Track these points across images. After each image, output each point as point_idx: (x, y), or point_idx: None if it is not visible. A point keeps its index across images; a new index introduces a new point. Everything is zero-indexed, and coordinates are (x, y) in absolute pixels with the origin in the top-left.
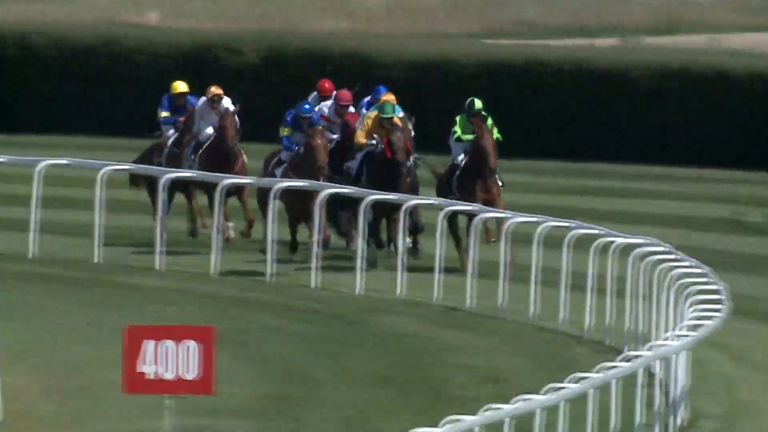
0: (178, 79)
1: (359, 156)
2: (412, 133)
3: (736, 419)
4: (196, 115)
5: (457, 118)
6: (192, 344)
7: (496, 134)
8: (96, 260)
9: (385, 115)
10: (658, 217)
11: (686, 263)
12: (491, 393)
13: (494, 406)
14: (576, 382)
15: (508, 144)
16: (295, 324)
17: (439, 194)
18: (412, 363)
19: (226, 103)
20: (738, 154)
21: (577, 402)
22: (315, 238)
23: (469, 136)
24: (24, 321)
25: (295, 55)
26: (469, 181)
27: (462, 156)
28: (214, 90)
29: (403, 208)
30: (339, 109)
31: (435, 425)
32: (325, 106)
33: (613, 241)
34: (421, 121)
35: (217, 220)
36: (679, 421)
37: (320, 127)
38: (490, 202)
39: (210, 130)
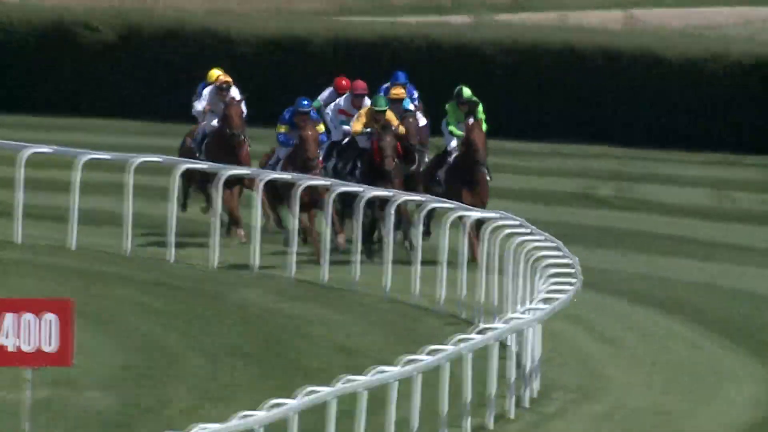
0: (214, 68)
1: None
2: (422, 122)
3: (589, 390)
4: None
5: (447, 107)
6: (51, 317)
7: (483, 125)
8: None
9: (378, 108)
10: (511, 192)
11: (538, 237)
12: (346, 365)
13: (349, 377)
14: (430, 354)
15: None
16: (154, 298)
17: (424, 183)
18: (268, 336)
19: (234, 92)
20: (590, 128)
21: (432, 374)
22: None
23: (460, 133)
24: None
25: (151, 32)
26: (457, 181)
27: (454, 143)
28: (223, 77)
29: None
30: (355, 99)
31: (291, 397)
32: (342, 99)
33: (465, 216)
34: (267, 98)
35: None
36: (531, 393)
37: (311, 118)
38: (476, 205)
39: (215, 122)
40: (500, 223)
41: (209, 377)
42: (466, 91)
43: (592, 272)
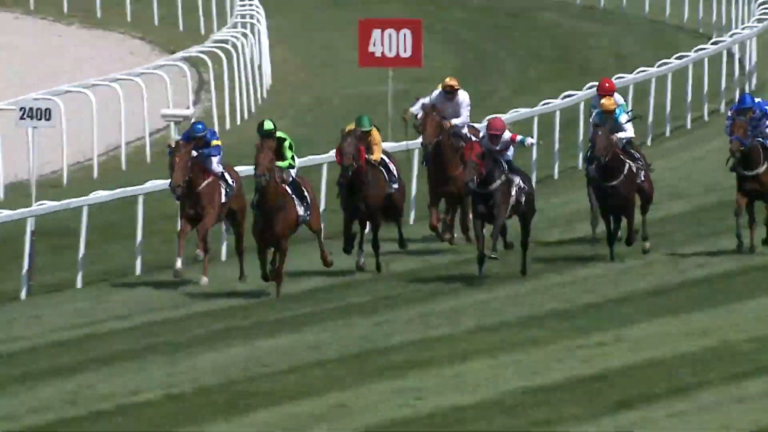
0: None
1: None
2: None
3: None
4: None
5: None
6: (406, 32)
7: (288, 159)
8: None
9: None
10: None
11: None
12: (618, 66)
13: (620, 75)
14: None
15: None
16: (478, 16)
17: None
18: (560, 44)
19: (462, 96)
20: None
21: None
22: None
23: None
24: (284, 16)
25: None
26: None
27: None
28: (449, 81)
29: None
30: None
31: (557, 96)
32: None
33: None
34: None
35: None
36: None
37: (180, 142)
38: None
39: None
40: None
41: (518, 74)
42: (268, 124)
43: None
